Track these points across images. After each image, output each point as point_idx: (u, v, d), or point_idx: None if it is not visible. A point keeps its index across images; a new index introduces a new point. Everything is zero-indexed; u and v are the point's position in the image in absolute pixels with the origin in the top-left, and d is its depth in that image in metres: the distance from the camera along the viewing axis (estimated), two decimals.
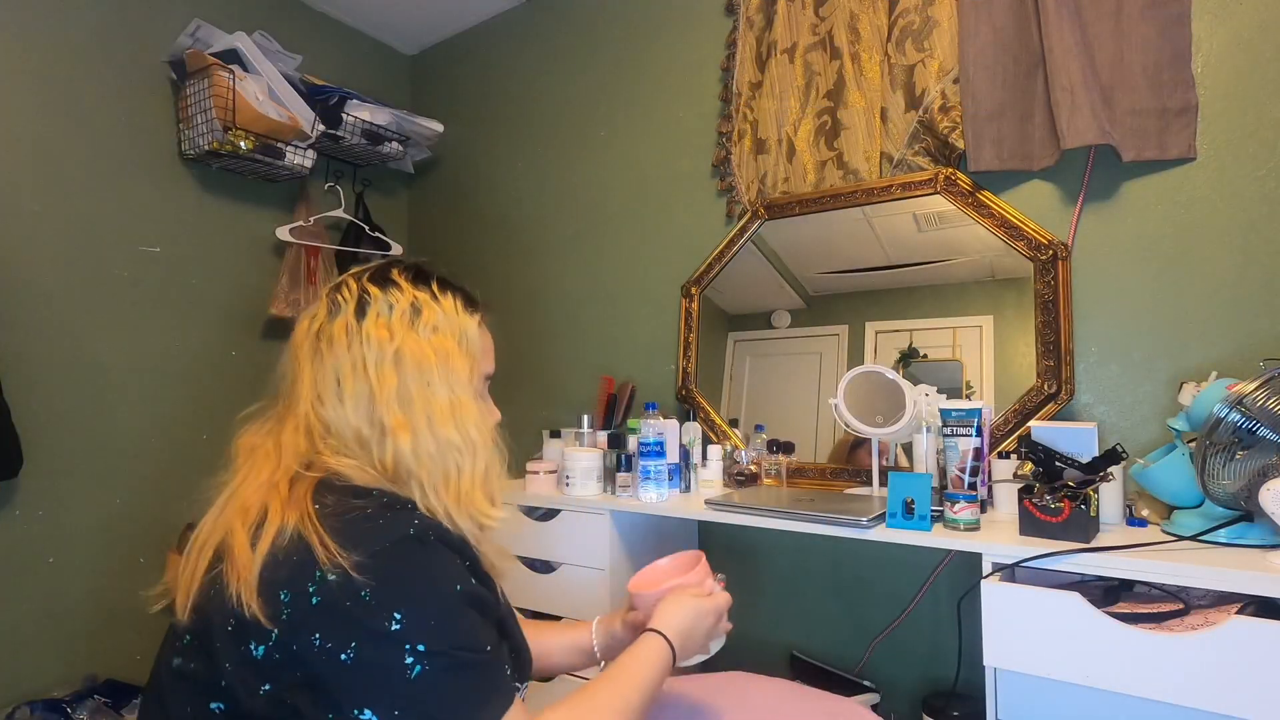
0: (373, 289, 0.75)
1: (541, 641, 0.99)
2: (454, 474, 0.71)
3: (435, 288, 0.77)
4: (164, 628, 0.68)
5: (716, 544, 1.84)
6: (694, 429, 1.67)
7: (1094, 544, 1.03)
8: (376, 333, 0.72)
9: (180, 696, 0.63)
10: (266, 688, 0.59)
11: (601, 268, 2.13)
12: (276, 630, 0.59)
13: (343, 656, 0.57)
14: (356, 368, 0.71)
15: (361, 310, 0.73)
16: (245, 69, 1.93)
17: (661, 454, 1.49)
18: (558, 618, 1.57)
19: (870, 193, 1.61)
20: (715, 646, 0.98)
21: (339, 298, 0.75)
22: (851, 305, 1.67)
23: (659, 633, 0.81)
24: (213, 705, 0.61)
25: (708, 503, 1.39)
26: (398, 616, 0.58)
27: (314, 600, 0.58)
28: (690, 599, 0.88)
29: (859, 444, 1.59)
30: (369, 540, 0.61)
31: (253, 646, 0.59)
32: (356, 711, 0.57)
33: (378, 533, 0.62)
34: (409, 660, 0.58)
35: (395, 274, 0.76)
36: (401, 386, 0.70)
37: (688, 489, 1.61)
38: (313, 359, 0.73)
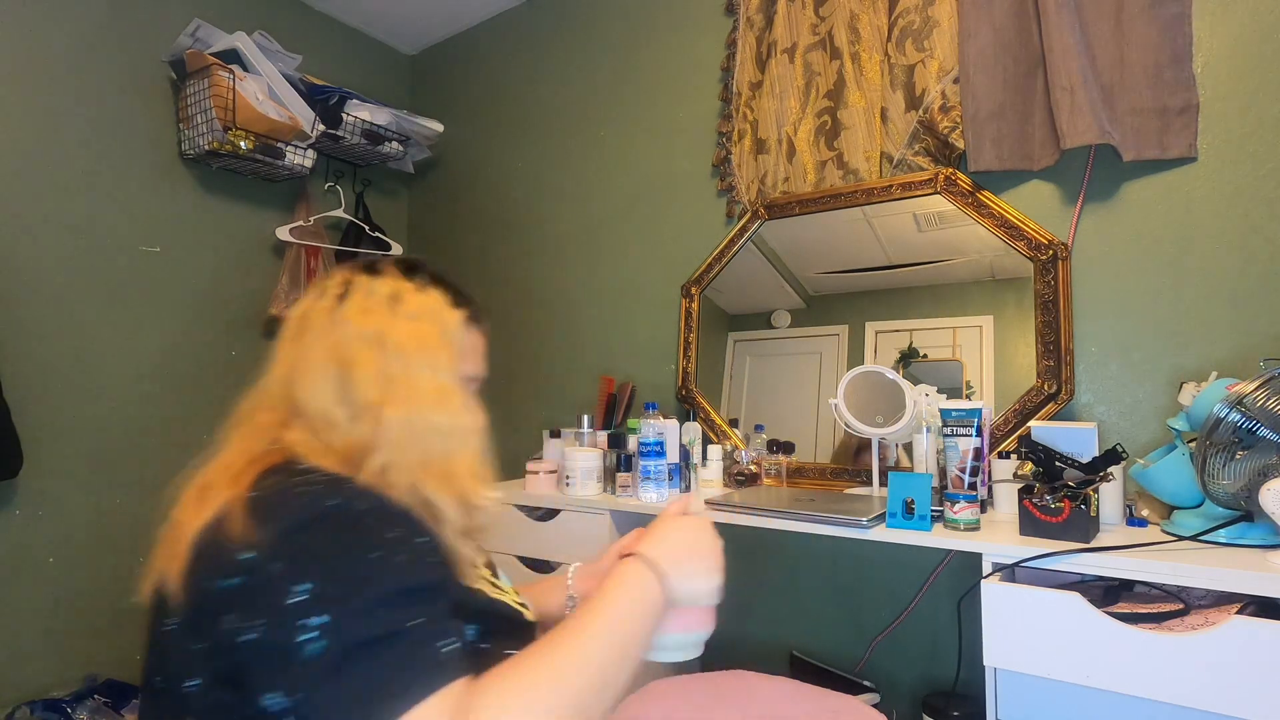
0: (357, 277, 0.75)
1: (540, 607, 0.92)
2: (437, 457, 0.68)
3: (421, 280, 0.76)
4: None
5: None
6: (694, 429, 1.67)
7: (1094, 544, 1.03)
8: (356, 316, 0.72)
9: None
10: (196, 683, 0.57)
11: (601, 268, 2.13)
12: (204, 620, 0.57)
13: (252, 635, 0.54)
14: (334, 347, 0.70)
15: (344, 295, 0.74)
16: (245, 69, 1.93)
17: (661, 454, 1.49)
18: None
19: (870, 193, 1.61)
20: (688, 646, 0.75)
21: (325, 285, 0.76)
22: (851, 305, 1.67)
23: (636, 556, 0.67)
24: None
25: (708, 503, 1.39)
26: (304, 588, 0.53)
27: (235, 581, 0.55)
28: (682, 517, 0.75)
29: (864, 446, 1.59)
30: (287, 515, 0.58)
31: (192, 642, 0.57)
32: (266, 696, 0.52)
33: (298, 508, 0.58)
34: (308, 635, 0.52)
35: (384, 265, 0.77)
36: (380, 368, 0.69)
37: (688, 489, 1.61)
38: (292, 341, 0.73)
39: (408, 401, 0.68)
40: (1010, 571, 1.06)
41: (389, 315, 0.72)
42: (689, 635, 0.73)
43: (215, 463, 0.67)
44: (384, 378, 0.69)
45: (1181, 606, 0.98)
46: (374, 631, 0.53)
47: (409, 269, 0.78)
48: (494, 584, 0.75)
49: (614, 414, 1.92)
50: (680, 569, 0.68)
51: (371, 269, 0.77)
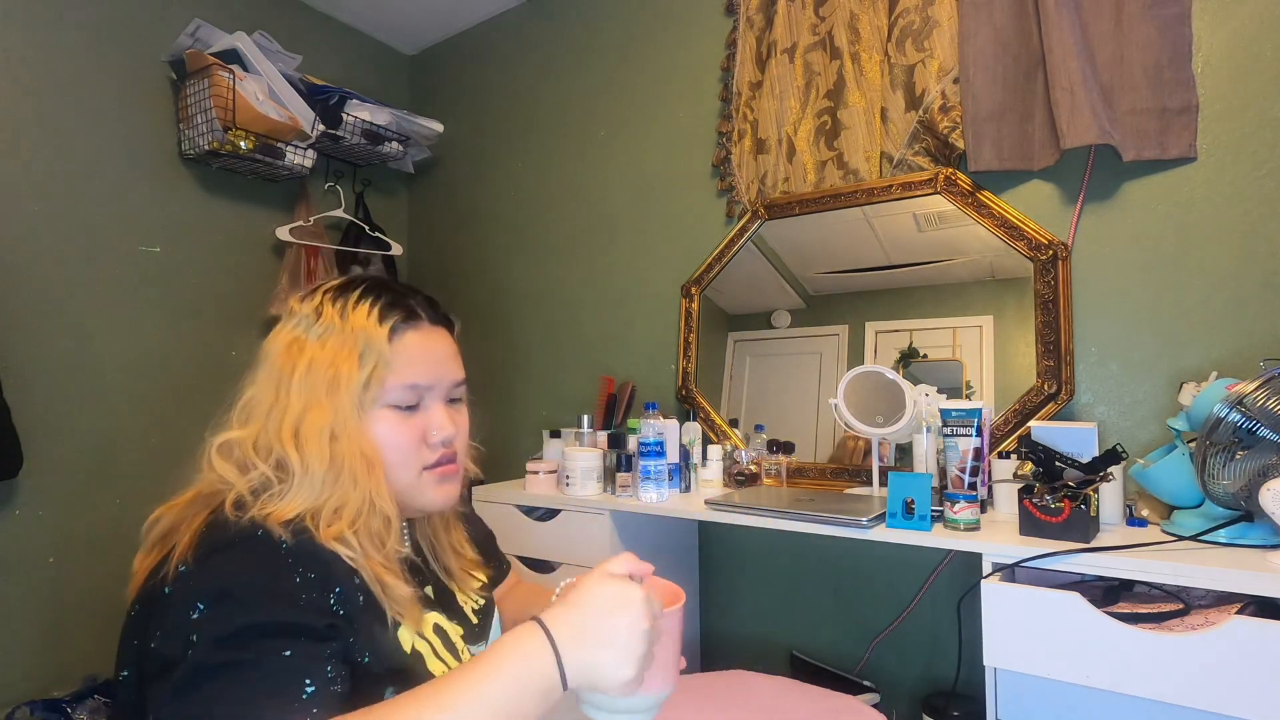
0: (295, 304, 0.73)
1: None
2: (299, 492, 0.65)
3: (353, 298, 0.71)
4: None
5: (717, 544, 1.84)
6: (694, 429, 1.67)
7: (1094, 544, 1.03)
8: (268, 343, 0.71)
9: None
10: (125, 674, 0.60)
11: (601, 268, 2.13)
12: (142, 618, 0.60)
13: (154, 644, 0.56)
14: (248, 378, 0.71)
15: (279, 327, 0.73)
16: (245, 69, 1.93)
17: (661, 454, 1.49)
18: None
19: (870, 193, 1.61)
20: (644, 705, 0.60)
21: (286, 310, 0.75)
22: (851, 305, 1.67)
23: (538, 622, 0.56)
24: None
25: (708, 503, 1.39)
26: (200, 606, 0.55)
27: (167, 590, 0.58)
28: (610, 580, 0.59)
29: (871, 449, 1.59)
30: (216, 538, 0.60)
31: (133, 635, 0.61)
32: (149, 704, 0.55)
33: (226, 535, 0.60)
34: (188, 653, 0.54)
35: (323, 288, 0.74)
36: (263, 392, 0.69)
37: (688, 489, 1.61)
38: (252, 370, 0.73)
39: (276, 431, 0.66)
40: (1010, 571, 1.06)
41: (296, 344, 0.69)
42: (643, 698, 0.59)
43: (186, 492, 0.69)
44: (260, 405, 0.68)
45: (1181, 606, 0.98)
46: (226, 657, 0.53)
47: (344, 286, 0.73)
48: (436, 653, 0.69)
49: (614, 414, 1.92)
50: (586, 652, 0.55)
51: (310, 292, 0.74)
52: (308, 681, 0.54)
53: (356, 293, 0.72)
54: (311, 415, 0.66)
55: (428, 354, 0.73)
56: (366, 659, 0.62)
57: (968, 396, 1.47)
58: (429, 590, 0.76)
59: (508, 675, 0.53)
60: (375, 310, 0.70)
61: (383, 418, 0.69)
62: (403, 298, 0.73)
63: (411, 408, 0.71)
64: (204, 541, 0.60)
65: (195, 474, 0.69)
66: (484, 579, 0.87)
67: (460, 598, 0.80)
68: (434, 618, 0.72)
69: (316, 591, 0.60)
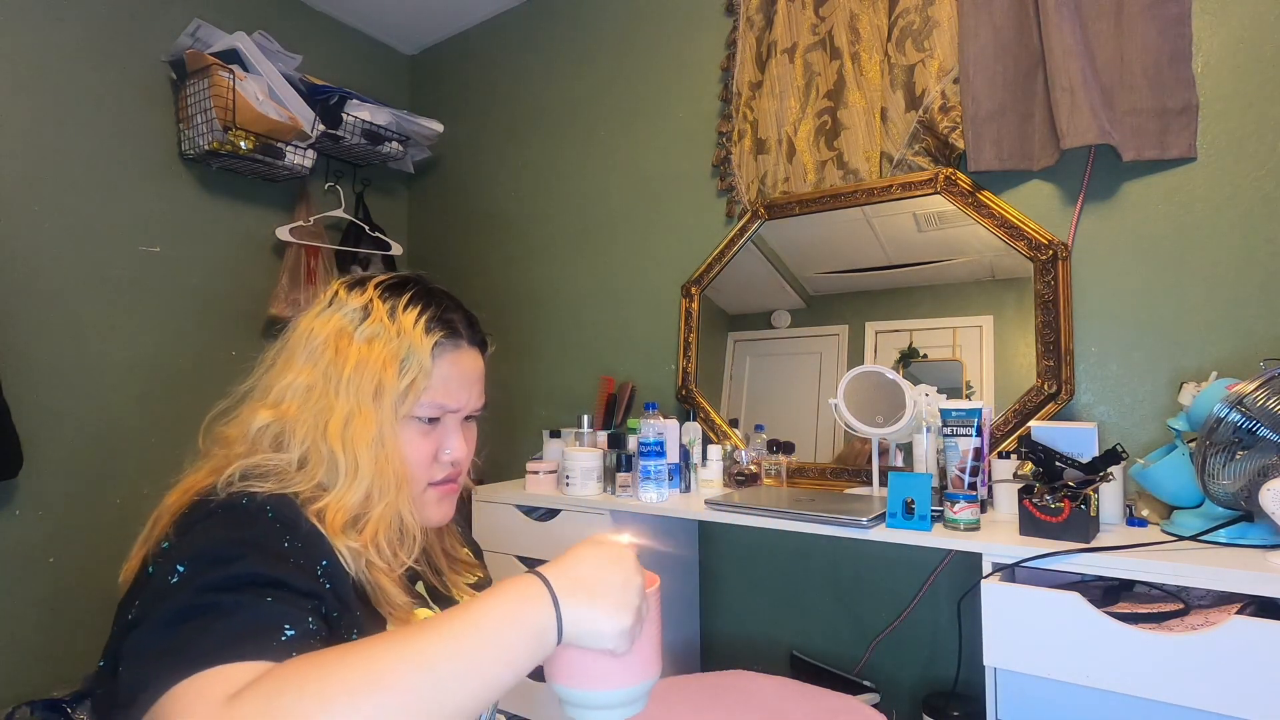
0: (343, 292, 0.73)
1: None
2: (324, 490, 0.66)
3: (401, 299, 0.71)
4: None
5: (717, 544, 1.84)
6: (694, 429, 1.67)
7: (1094, 544, 1.04)
8: (307, 324, 0.71)
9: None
10: (102, 664, 0.59)
11: (601, 268, 2.13)
12: (125, 602, 0.60)
13: (129, 615, 0.55)
14: (281, 357, 0.71)
15: (321, 310, 0.72)
16: (245, 69, 1.93)
17: (661, 454, 1.49)
18: None
19: (870, 193, 1.61)
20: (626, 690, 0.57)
21: (322, 295, 0.75)
22: (851, 305, 1.67)
23: (533, 572, 0.55)
24: None
25: (708, 503, 1.39)
26: (180, 569, 0.54)
27: (149, 570, 0.58)
28: (600, 540, 0.60)
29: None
30: (197, 512, 0.60)
31: (115, 623, 0.60)
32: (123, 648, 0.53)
33: (214, 503, 0.60)
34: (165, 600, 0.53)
35: (374, 281, 0.74)
36: (305, 380, 0.68)
37: (688, 489, 1.61)
38: (276, 352, 0.73)
39: (316, 423, 0.66)
40: (1010, 571, 1.06)
41: (342, 333, 0.69)
42: (627, 689, 0.57)
43: (194, 470, 0.68)
44: (303, 391, 0.67)
45: (1181, 606, 0.98)
46: (206, 600, 0.52)
47: (395, 286, 0.73)
48: None
49: (614, 414, 1.92)
50: (581, 598, 0.54)
51: (359, 283, 0.74)
52: (288, 626, 0.52)
53: (407, 296, 0.72)
54: (359, 420, 0.66)
55: (462, 376, 0.73)
56: (355, 637, 0.60)
57: (968, 396, 1.47)
58: (420, 587, 0.77)
59: (502, 619, 0.51)
60: (423, 320, 0.70)
61: (405, 429, 0.70)
62: (450, 312, 0.74)
63: (433, 421, 0.72)
64: (185, 517, 0.59)
65: (210, 449, 0.69)
66: (476, 579, 0.87)
67: (455, 592, 0.81)
68: (424, 613, 0.72)
69: (304, 558, 0.59)
